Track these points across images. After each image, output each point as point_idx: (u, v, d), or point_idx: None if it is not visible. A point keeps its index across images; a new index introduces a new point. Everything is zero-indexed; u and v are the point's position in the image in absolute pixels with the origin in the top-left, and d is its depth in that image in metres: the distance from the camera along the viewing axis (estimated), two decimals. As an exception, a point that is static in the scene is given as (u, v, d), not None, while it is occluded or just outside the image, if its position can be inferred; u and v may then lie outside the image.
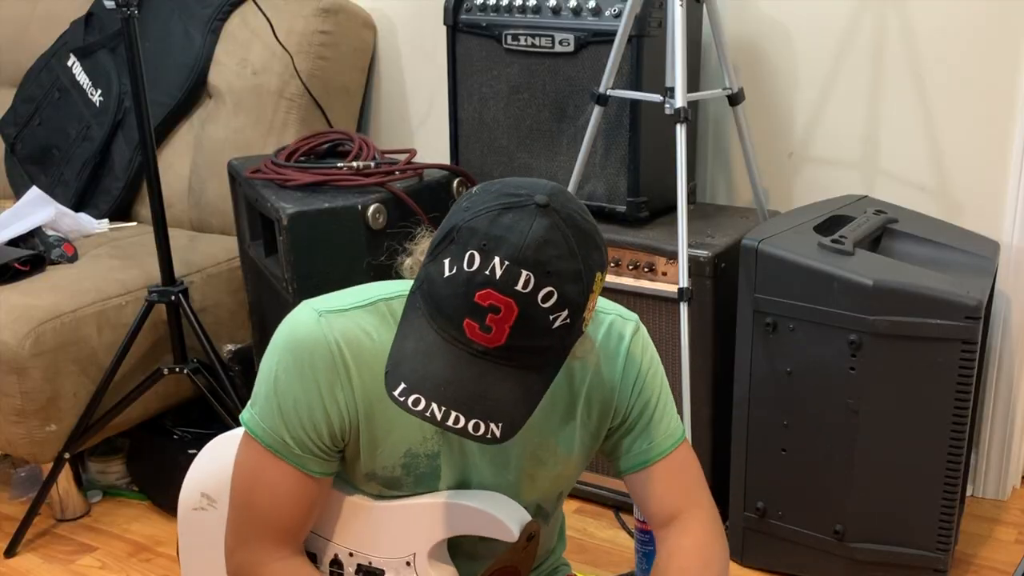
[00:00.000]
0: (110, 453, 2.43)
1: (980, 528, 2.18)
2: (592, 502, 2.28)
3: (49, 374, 2.10)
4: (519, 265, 0.94)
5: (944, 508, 1.84)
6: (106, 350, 2.19)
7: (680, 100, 1.91)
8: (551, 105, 2.26)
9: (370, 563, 1.21)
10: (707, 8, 2.06)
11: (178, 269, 2.21)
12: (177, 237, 2.36)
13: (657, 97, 2.01)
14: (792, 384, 1.90)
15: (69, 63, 2.84)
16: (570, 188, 2.14)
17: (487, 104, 2.35)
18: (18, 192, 2.80)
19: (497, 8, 2.28)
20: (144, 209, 2.45)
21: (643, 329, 1.24)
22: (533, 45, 2.23)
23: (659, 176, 2.18)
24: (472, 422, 0.96)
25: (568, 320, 0.97)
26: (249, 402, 1.17)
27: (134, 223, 2.72)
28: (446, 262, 0.96)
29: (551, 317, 0.96)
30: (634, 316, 1.24)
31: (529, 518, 1.17)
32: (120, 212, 2.75)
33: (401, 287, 1.15)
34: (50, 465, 2.18)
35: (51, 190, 2.64)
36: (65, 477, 2.25)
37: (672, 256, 2.03)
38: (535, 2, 2.22)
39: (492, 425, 0.96)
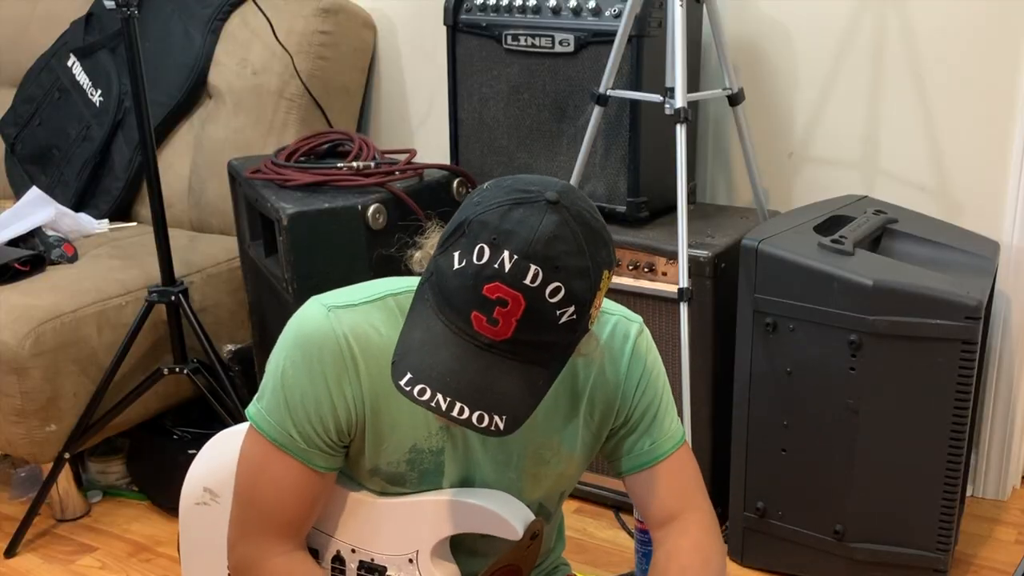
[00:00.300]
0: (110, 453, 2.43)
1: (980, 528, 2.18)
2: (592, 502, 2.28)
3: (49, 374, 2.10)
4: (528, 259, 0.94)
5: (944, 508, 1.84)
6: (106, 350, 2.19)
7: (680, 100, 1.91)
8: (551, 105, 2.26)
9: (372, 560, 1.21)
10: (707, 8, 2.06)
11: (178, 269, 2.21)
12: (177, 237, 2.36)
13: (657, 97, 2.01)
14: (792, 384, 1.90)
15: (69, 63, 2.84)
16: (570, 188, 2.13)
17: (487, 104, 2.35)
18: (18, 192, 2.80)
19: (497, 8, 2.28)
20: (144, 209, 2.45)
21: (647, 331, 1.25)
22: (533, 45, 2.23)
23: (659, 176, 2.18)
24: (476, 414, 0.96)
25: (575, 316, 0.97)
26: (256, 396, 1.17)
27: (134, 223, 2.72)
28: (456, 255, 0.97)
29: (558, 312, 0.96)
30: (638, 318, 1.25)
31: (533, 517, 1.17)
32: (120, 212, 2.75)
33: (409, 283, 1.15)
34: (50, 465, 2.18)
35: (51, 190, 2.64)
36: (65, 477, 2.25)
37: (672, 256, 2.03)
38: (535, 2, 2.22)
39: (496, 418, 0.96)
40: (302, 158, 2.09)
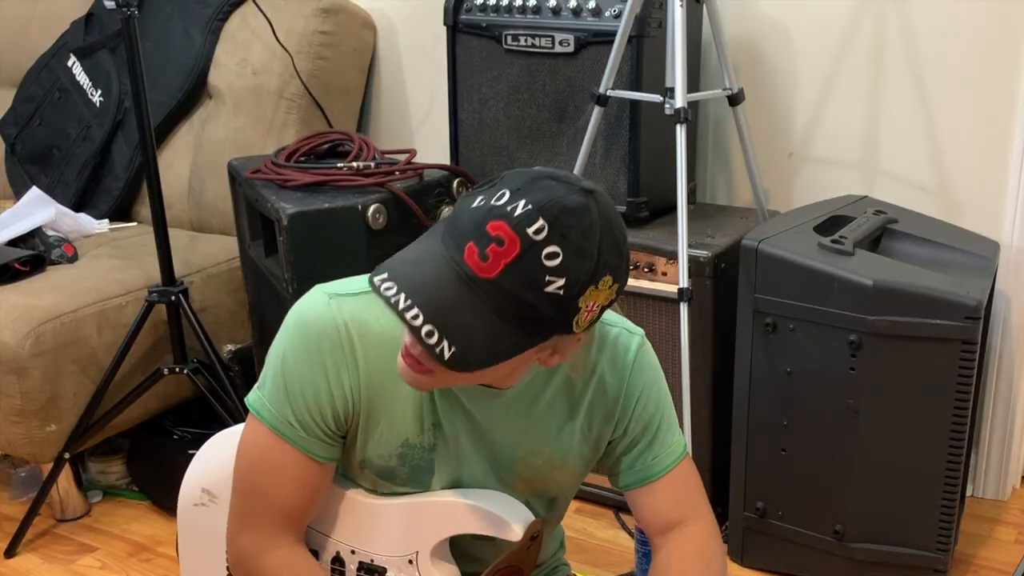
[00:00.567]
0: (110, 453, 2.43)
1: (980, 528, 2.18)
2: (592, 502, 2.28)
3: (49, 374, 2.10)
4: (540, 213, 0.95)
5: (944, 508, 1.84)
6: (106, 350, 2.19)
7: (680, 100, 1.91)
8: (551, 105, 2.26)
9: (372, 561, 1.21)
10: (707, 8, 2.06)
11: (178, 269, 2.21)
12: (177, 237, 2.36)
13: (657, 97, 2.01)
14: (792, 384, 1.90)
15: (69, 63, 2.84)
16: (570, 188, 2.13)
17: (487, 104, 2.35)
18: (18, 192, 2.80)
19: (497, 8, 2.28)
20: (144, 209, 2.45)
21: (648, 344, 1.25)
22: (533, 45, 2.23)
23: (659, 176, 2.18)
24: (428, 327, 0.95)
25: (561, 292, 0.96)
26: (256, 384, 1.18)
27: (134, 223, 2.72)
28: (479, 197, 0.99)
29: (547, 278, 0.95)
30: (640, 330, 1.25)
31: (532, 518, 1.17)
32: (120, 212, 2.75)
33: None
34: (50, 465, 2.18)
35: (51, 190, 2.64)
36: (65, 477, 2.25)
37: (672, 256, 2.03)
38: (535, 2, 2.22)
39: (445, 343, 0.95)
40: (302, 158, 2.08)
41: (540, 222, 0.95)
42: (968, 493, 2.26)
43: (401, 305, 0.96)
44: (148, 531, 2.26)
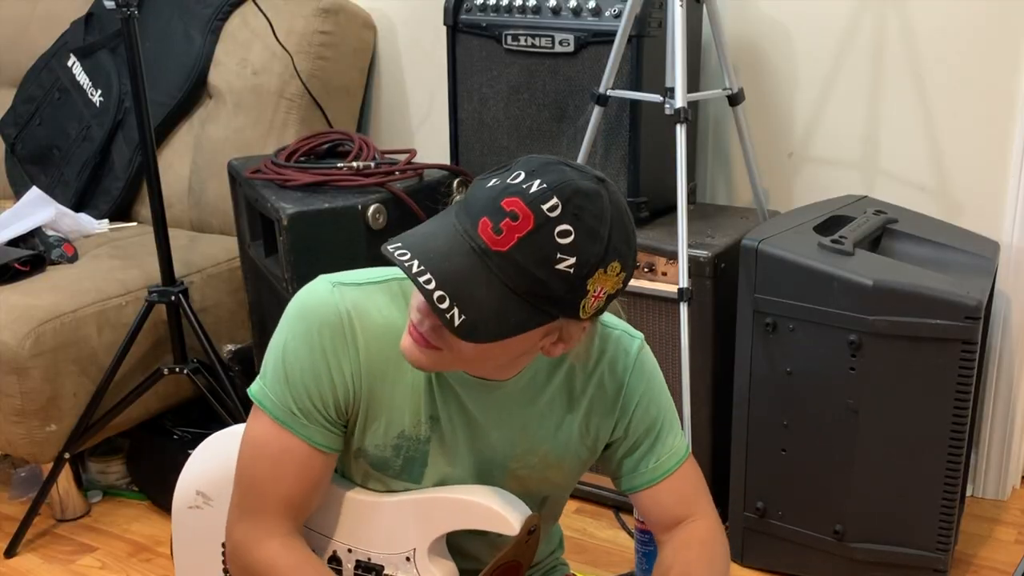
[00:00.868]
0: (110, 453, 2.43)
1: (980, 528, 2.18)
2: (592, 502, 2.28)
3: (49, 374, 2.10)
4: (554, 193, 0.97)
5: (944, 508, 1.84)
6: (106, 350, 2.19)
7: (680, 100, 1.91)
8: (551, 105, 2.26)
9: (369, 559, 1.21)
10: (707, 8, 2.06)
11: (178, 269, 2.21)
12: (177, 237, 2.36)
13: (657, 97, 2.01)
14: (792, 384, 1.90)
15: (69, 63, 2.84)
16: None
17: (487, 104, 2.35)
18: (18, 192, 2.80)
19: (497, 8, 2.28)
20: (144, 209, 2.45)
21: (648, 348, 1.26)
22: (533, 45, 2.23)
23: (659, 176, 2.18)
24: (440, 292, 0.96)
25: (571, 271, 0.97)
26: (259, 375, 1.17)
27: (134, 223, 2.72)
28: (493, 178, 1.01)
29: (559, 255, 0.97)
30: (640, 334, 1.25)
31: (529, 512, 1.17)
32: (120, 212, 2.75)
33: None
34: (50, 465, 2.18)
35: (51, 190, 2.64)
36: (65, 477, 2.25)
37: (672, 256, 2.03)
38: (535, 2, 2.22)
39: (456, 310, 0.96)
40: (302, 158, 2.09)
41: (554, 200, 0.96)
42: (968, 493, 2.26)
43: (415, 269, 0.97)
44: (148, 531, 2.26)
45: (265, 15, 2.53)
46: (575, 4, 2.18)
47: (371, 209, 1.85)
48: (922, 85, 2.17)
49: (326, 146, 2.14)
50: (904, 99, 2.20)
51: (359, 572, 1.21)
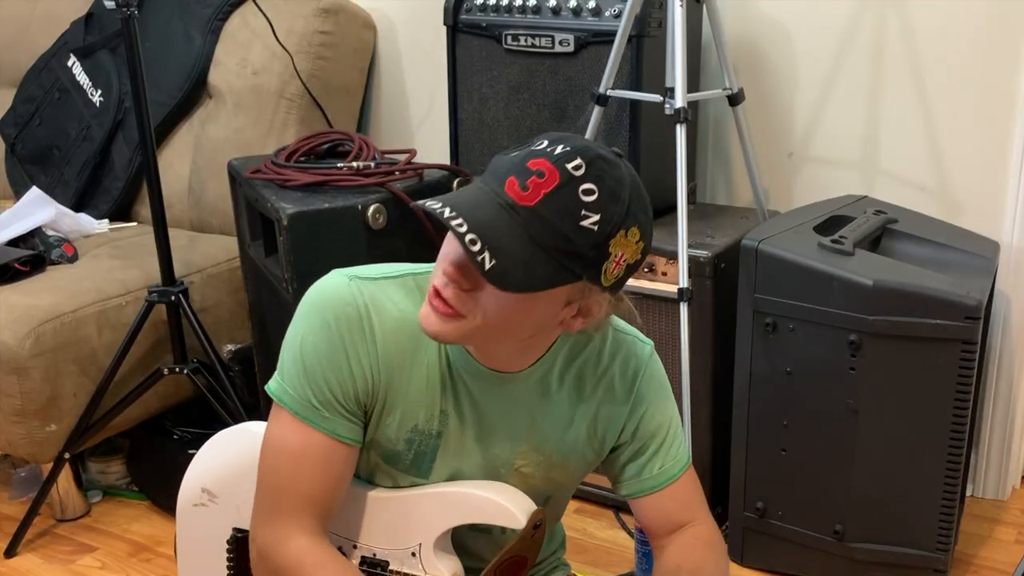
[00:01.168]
0: (110, 453, 2.43)
1: (980, 528, 2.18)
2: (592, 502, 2.28)
3: (49, 374, 2.10)
4: (577, 155, 1.01)
5: (944, 508, 1.84)
6: (106, 350, 2.19)
7: (680, 100, 1.91)
8: (551, 105, 2.26)
9: (374, 555, 1.21)
10: (707, 8, 2.06)
11: (178, 269, 2.21)
12: (177, 237, 2.36)
13: (657, 97, 2.01)
14: (792, 384, 1.90)
15: (69, 63, 2.84)
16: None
17: (487, 104, 2.35)
18: (18, 192, 2.80)
19: (497, 8, 2.28)
20: (144, 209, 2.45)
21: (657, 355, 1.27)
22: (533, 45, 2.23)
23: (659, 176, 2.17)
24: (472, 236, 0.98)
25: (595, 228, 1.00)
26: (276, 372, 1.17)
27: (134, 223, 2.72)
28: (516, 150, 1.04)
29: (583, 212, 0.99)
30: (650, 341, 1.27)
31: (535, 506, 1.18)
32: (120, 212, 2.75)
33: (429, 267, 1.16)
34: (50, 465, 2.18)
35: (51, 190, 2.64)
36: (65, 477, 2.25)
37: (672, 256, 2.03)
38: (535, 2, 2.22)
39: (487, 253, 0.98)
40: (302, 158, 2.08)
41: (578, 160, 1.00)
42: (968, 493, 2.26)
43: (447, 214, 0.99)
44: (148, 531, 2.26)
45: (265, 15, 2.53)
46: (575, 4, 2.18)
47: (371, 209, 1.85)
48: (922, 85, 2.17)
49: (326, 146, 2.14)
50: (904, 99, 2.20)
51: (364, 568, 1.21)
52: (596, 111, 2.09)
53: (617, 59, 2.04)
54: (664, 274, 2.07)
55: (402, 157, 2.06)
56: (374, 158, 2.03)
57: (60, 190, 2.74)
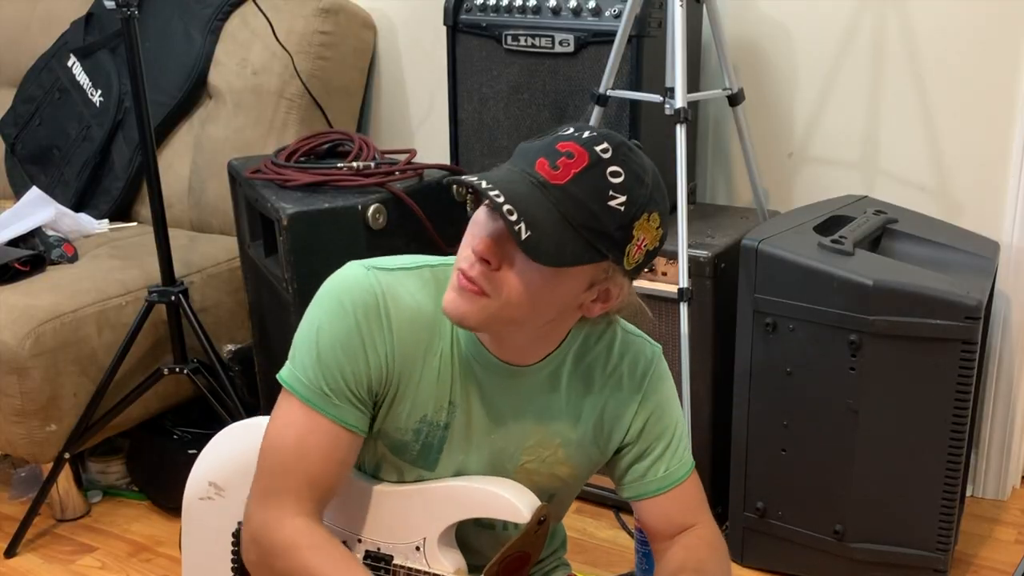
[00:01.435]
0: (110, 453, 2.43)
1: (980, 528, 2.18)
2: (592, 502, 2.28)
3: (49, 374, 2.10)
4: (604, 138, 1.05)
5: (944, 508, 1.84)
6: (106, 350, 2.19)
7: (680, 100, 1.91)
8: (551, 105, 2.26)
9: (379, 549, 1.21)
10: (707, 8, 2.06)
11: (178, 269, 2.21)
12: (177, 237, 2.36)
13: (657, 97, 2.01)
14: (792, 384, 1.90)
15: (69, 63, 2.84)
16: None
17: (487, 104, 2.35)
18: (18, 192, 2.80)
19: (497, 8, 2.28)
20: (144, 209, 2.45)
21: (664, 359, 1.28)
22: (533, 45, 2.23)
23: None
24: (509, 206, 1.00)
25: (622, 209, 1.03)
26: (287, 360, 1.17)
27: (134, 223, 2.72)
28: (546, 136, 1.07)
29: (610, 192, 1.03)
30: (659, 345, 1.28)
31: (539, 502, 1.18)
32: (120, 212, 2.75)
33: (446, 259, 1.18)
34: (50, 465, 2.18)
35: (51, 190, 2.64)
36: (65, 477, 2.25)
37: (672, 256, 2.03)
38: (535, 2, 2.22)
39: (523, 224, 1.00)
40: (302, 158, 2.08)
41: (605, 144, 1.04)
42: (968, 493, 2.26)
43: (484, 186, 1.01)
44: (148, 531, 2.26)
45: (265, 15, 2.53)
46: (575, 4, 2.18)
47: (371, 209, 1.85)
48: (922, 85, 2.17)
49: (326, 146, 2.14)
50: (904, 99, 2.20)
51: (368, 562, 1.21)
52: (596, 111, 2.09)
53: (617, 59, 2.04)
54: (664, 274, 2.07)
55: (402, 157, 2.06)
56: (374, 158, 2.03)
57: (60, 190, 2.74)
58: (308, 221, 1.83)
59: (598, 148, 1.04)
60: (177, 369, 2.19)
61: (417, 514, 1.19)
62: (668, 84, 2.00)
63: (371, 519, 1.21)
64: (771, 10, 2.29)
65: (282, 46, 2.54)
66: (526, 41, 2.23)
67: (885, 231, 2.02)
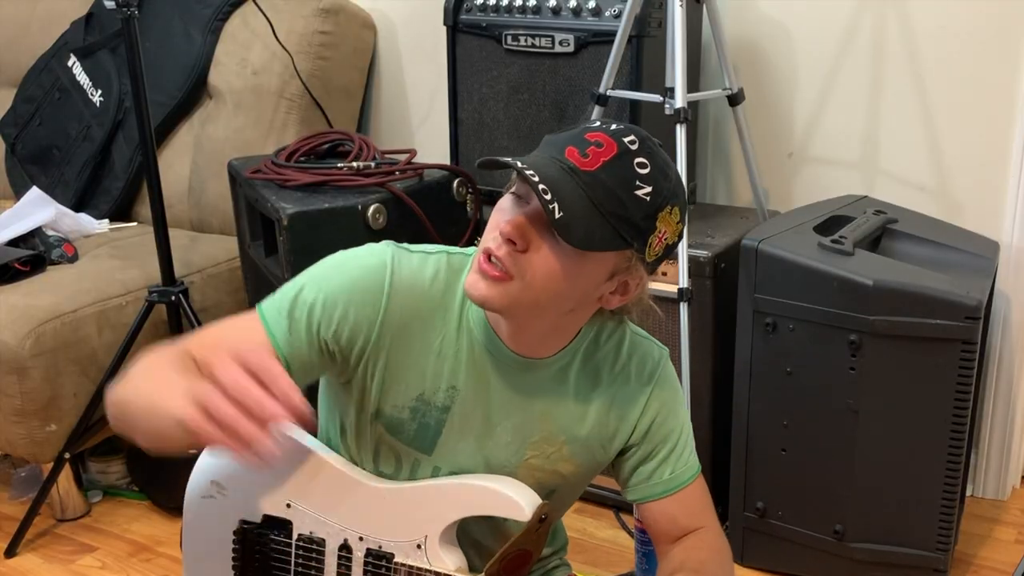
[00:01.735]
0: (110, 453, 2.43)
1: (980, 528, 2.18)
2: (592, 502, 2.28)
3: (49, 374, 2.10)
4: (631, 132, 1.08)
5: (944, 508, 1.84)
6: (106, 350, 2.19)
7: (680, 100, 1.91)
8: (551, 105, 2.26)
9: (380, 547, 1.21)
10: (707, 8, 2.06)
11: (178, 269, 2.21)
12: (177, 237, 2.36)
13: (657, 97, 2.01)
14: (792, 384, 1.90)
15: (69, 63, 2.84)
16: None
17: (487, 104, 2.35)
18: (18, 192, 2.80)
19: (497, 8, 2.28)
20: (144, 209, 2.45)
21: (671, 362, 1.29)
22: (533, 45, 2.23)
23: (659, 176, 2.18)
24: (543, 186, 1.02)
25: (648, 199, 1.05)
26: None
27: (134, 223, 2.72)
28: (573, 128, 1.10)
29: (637, 182, 1.05)
30: (666, 348, 1.29)
31: (540, 500, 1.18)
32: (120, 212, 2.75)
33: (467, 250, 1.20)
34: (50, 465, 2.18)
35: (51, 190, 2.64)
36: (65, 477, 2.25)
37: (672, 256, 2.02)
38: (535, 2, 2.22)
39: (556, 204, 1.01)
40: (302, 158, 2.09)
41: (632, 136, 1.07)
42: (968, 493, 2.26)
43: (520, 164, 1.03)
44: (148, 531, 2.26)
45: (265, 15, 2.53)
46: (575, 4, 2.18)
47: (371, 209, 1.85)
48: (922, 85, 2.17)
49: (326, 146, 2.14)
50: (904, 99, 2.20)
51: (369, 559, 1.22)
52: (596, 111, 2.09)
53: (617, 59, 2.04)
54: (664, 274, 2.06)
55: (402, 157, 2.06)
56: (374, 158, 2.03)
57: (60, 190, 2.75)
58: (308, 221, 1.83)
59: (626, 139, 1.06)
60: (177, 369, 2.19)
61: (418, 512, 1.20)
62: (668, 84, 2.00)
63: (372, 517, 1.22)
64: (771, 10, 2.29)
65: (282, 46, 2.54)
66: (526, 41, 2.24)
67: (885, 231, 2.02)
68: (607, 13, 2.15)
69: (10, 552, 2.17)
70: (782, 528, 1.99)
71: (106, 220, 2.68)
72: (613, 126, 1.08)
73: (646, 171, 1.05)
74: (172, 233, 2.18)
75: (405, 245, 1.19)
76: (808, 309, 1.84)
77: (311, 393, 1.33)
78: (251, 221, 2.10)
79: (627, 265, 1.09)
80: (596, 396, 1.23)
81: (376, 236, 1.85)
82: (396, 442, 1.20)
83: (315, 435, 1.29)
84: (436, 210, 2.00)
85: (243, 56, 2.63)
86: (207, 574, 1.32)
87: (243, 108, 2.61)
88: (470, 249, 1.18)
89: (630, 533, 2.18)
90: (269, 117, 2.59)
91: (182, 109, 2.72)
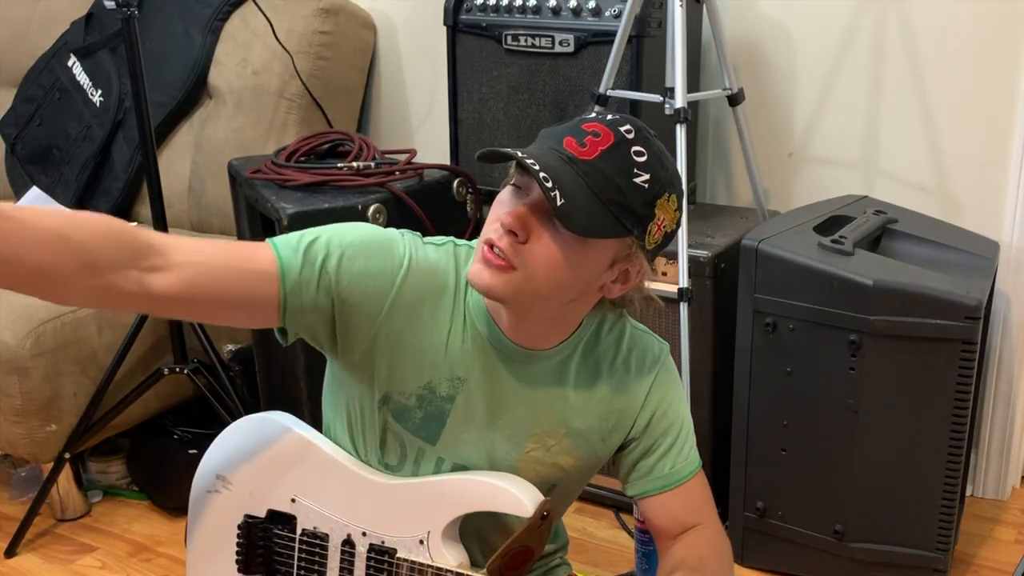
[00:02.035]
0: (110, 453, 2.43)
1: (980, 528, 2.18)
2: (592, 502, 2.28)
3: (49, 374, 2.10)
4: (628, 122, 1.10)
5: (944, 508, 1.84)
6: (106, 350, 2.19)
7: (680, 100, 1.91)
8: (551, 105, 2.26)
9: (383, 542, 1.22)
10: (707, 8, 2.06)
11: (178, 269, 2.21)
12: (177, 237, 2.36)
13: (657, 97, 2.01)
14: (792, 384, 1.90)
15: (69, 63, 2.84)
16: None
17: (487, 104, 2.35)
18: (18, 192, 2.80)
19: (497, 8, 2.28)
20: (144, 209, 2.45)
21: (671, 357, 1.30)
22: (533, 45, 2.23)
23: (659, 176, 2.18)
24: (544, 174, 1.04)
25: (646, 187, 1.07)
26: None
27: (134, 223, 2.71)
28: (569, 121, 1.11)
29: (635, 170, 1.07)
30: (667, 343, 1.30)
31: (542, 496, 1.18)
32: (120, 212, 2.75)
33: (473, 242, 1.20)
34: (50, 465, 2.18)
35: (51, 190, 2.64)
36: (65, 477, 2.25)
37: (672, 256, 2.03)
38: (535, 2, 2.22)
39: (557, 192, 1.03)
40: (302, 158, 2.09)
41: (628, 126, 1.09)
42: (968, 493, 2.27)
43: (520, 154, 1.05)
44: (148, 531, 2.26)
45: (265, 15, 2.53)
46: (575, 4, 2.18)
47: (371, 209, 1.85)
48: (922, 85, 2.17)
49: (326, 146, 2.14)
50: (904, 99, 2.20)
51: (372, 555, 1.22)
52: (596, 111, 2.09)
53: (617, 59, 2.04)
54: (664, 274, 2.07)
55: (402, 157, 2.06)
56: (374, 158, 2.03)
57: (60, 190, 2.75)
58: (308, 221, 1.81)
59: (622, 129, 1.08)
60: (177, 369, 2.19)
61: (421, 508, 1.20)
62: (668, 84, 2.00)
63: (375, 512, 1.22)
64: (771, 10, 2.29)
65: (282, 46, 2.54)
66: (526, 41, 2.24)
67: (885, 231, 2.02)
68: (607, 13, 2.15)
69: (10, 552, 2.17)
70: (782, 528, 1.99)
71: (106, 220, 2.68)
72: (609, 116, 1.10)
73: (643, 159, 1.07)
74: (172, 233, 2.18)
75: (438, 240, 1.22)
76: (808, 309, 1.84)
77: (316, 393, 1.34)
78: (251, 221, 2.10)
79: (627, 253, 1.11)
80: (596, 389, 1.23)
81: (376, 236, 1.85)
82: (402, 430, 1.20)
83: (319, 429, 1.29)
84: (436, 210, 2.00)
85: (243, 56, 2.63)
86: (211, 569, 1.32)
87: (243, 108, 2.61)
88: (474, 241, 1.18)
89: (630, 533, 2.18)
90: (269, 117, 2.59)
91: (182, 109, 2.71)
